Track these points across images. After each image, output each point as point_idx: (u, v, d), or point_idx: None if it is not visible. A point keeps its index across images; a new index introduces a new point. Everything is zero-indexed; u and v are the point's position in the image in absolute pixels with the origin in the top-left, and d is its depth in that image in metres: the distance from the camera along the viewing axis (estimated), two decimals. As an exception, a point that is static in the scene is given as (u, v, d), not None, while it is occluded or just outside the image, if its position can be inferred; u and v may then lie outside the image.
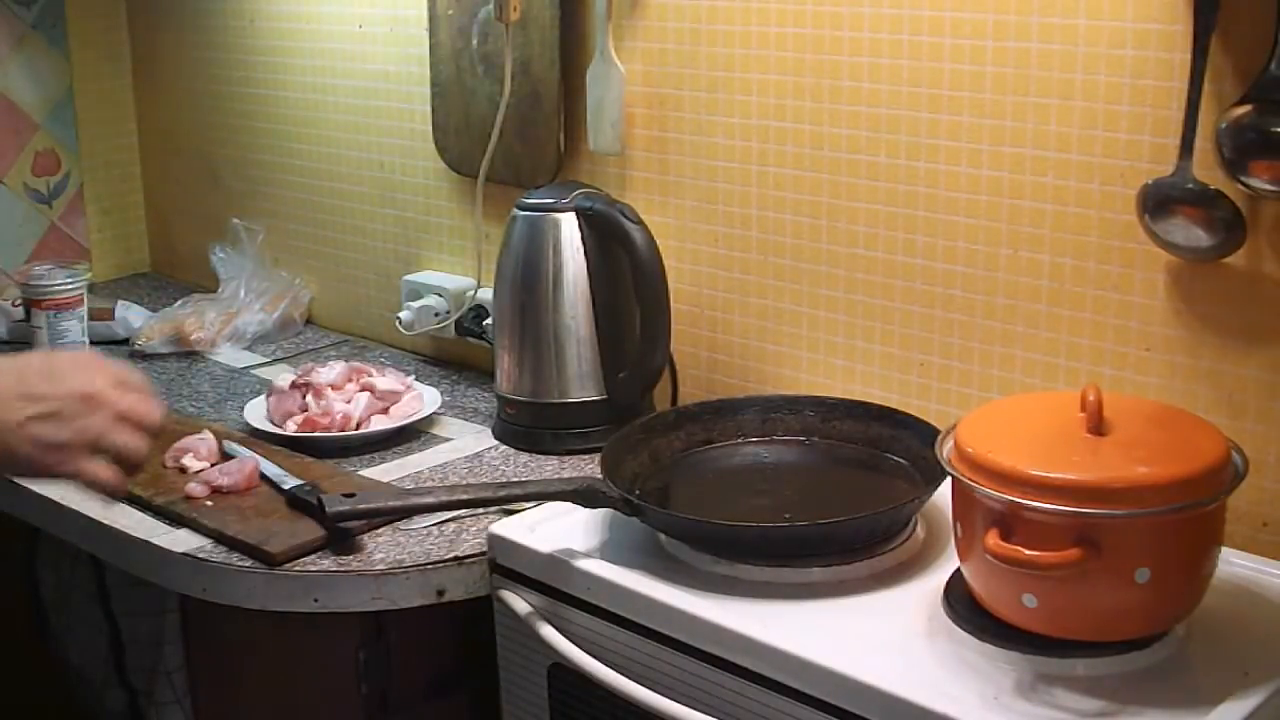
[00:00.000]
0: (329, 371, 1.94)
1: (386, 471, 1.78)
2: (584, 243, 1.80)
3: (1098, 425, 1.25)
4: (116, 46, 2.68)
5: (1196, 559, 1.24)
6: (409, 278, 2.22)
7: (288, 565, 1.54)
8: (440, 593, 1.54)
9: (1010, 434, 1.28)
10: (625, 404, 1.81)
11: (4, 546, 2.01)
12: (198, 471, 1.74)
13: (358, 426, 1.87)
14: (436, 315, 2.16)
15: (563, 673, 1.46)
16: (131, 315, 2.36)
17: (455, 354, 2.21)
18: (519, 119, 2.00)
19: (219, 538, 1.60)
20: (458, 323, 2.13)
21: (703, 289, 1.89)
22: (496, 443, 1.87)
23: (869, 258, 1.72)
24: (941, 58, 1.60)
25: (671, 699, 1.33)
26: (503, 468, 1.79)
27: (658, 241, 1.78)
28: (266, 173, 2.49)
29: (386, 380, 1.94)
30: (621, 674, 1.37)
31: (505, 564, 1.51)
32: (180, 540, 1.61)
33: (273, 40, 2.40)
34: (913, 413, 1.61)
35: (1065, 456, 1.23)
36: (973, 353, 1.65)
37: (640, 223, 1.78)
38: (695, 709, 1.31)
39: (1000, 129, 1.57)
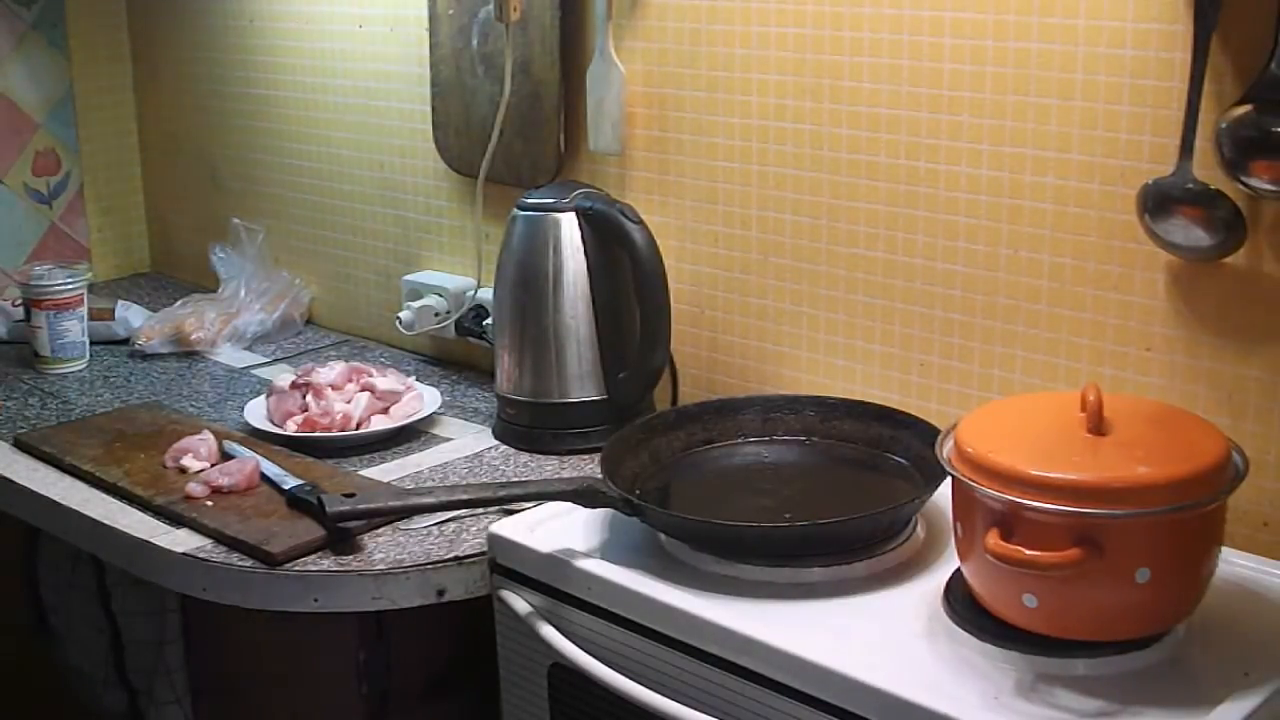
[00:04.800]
0: (329, 371, 1.94)
1: (386, 471, 1.78)
2: (584, 243, 1.80)
3: (1098, 425, 1.25)
4: (116, 46, 2.68)
5: (1196, 559, 1.24)
6: (409, 278, 2.22)
7: (288, 565, 1.54)
8: (440, 593, 1.54)
9: (1010, 434, 1.28)
10: (625, 404, 1.81)
11: (4, 546, 2.01)
12: (198, 471, 1.74)
13: (358, 426, 1.87)
14: (436, 315, 2.16)
15: (563, 673, 1.46)
16: (131, 315, 2.36)
17: (455, 354, 2.21)
18: (519, 119, 2.00)
19: (219, 538, 1.60)
20: (458, 323, 2.13)
21: (703, 289, 1.89)
22: (496, 443, 1.87)
23: (869, 258, 1.72)
24: (941, 58, 1.61)
25: (671, 699, 1.33)
26: (503, 468, 1.79)
27: (658, 241, 1.78)
28: (266, 173, 2.49)
29: (386, 380, 1.94)
30: (621, 674, 1.37)
31: (505, 564, 1.51)
32: (180, 540, 1.61)
33: (273, 40, 2.40)
34: (913, 413, 1.61)
35: (1065, 456, 1.23)
36: (973, 353, 1.65)
37: (640, 223, 1.78)
38: (695, 709, 1.31)
39: (1000, 129, 1.57)
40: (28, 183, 2.60)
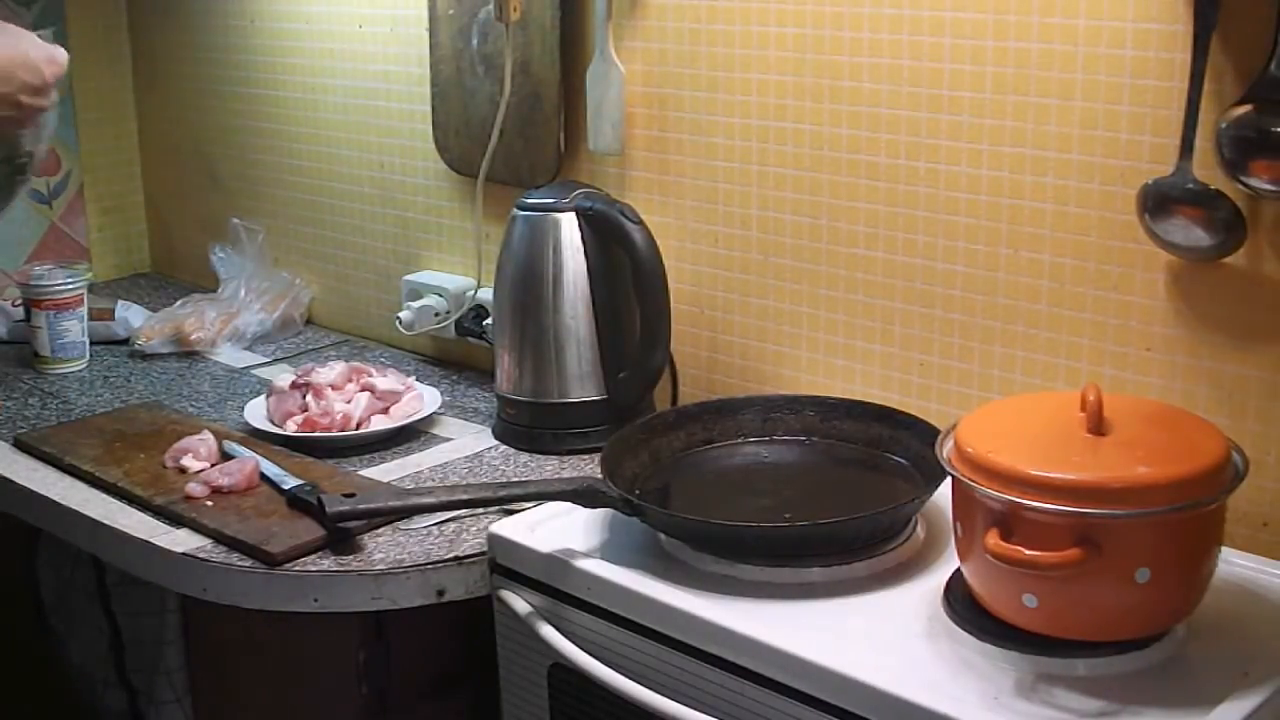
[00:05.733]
0: (329, 371, 1.94)
1: (386, 471, 1.78)
2: (584, 243, 1.80)
3: (1098, 425, 1.25)
4: (116, 46, 2.68)
5: (1196, 559, 1.24)
6: (409, 278, 2.22)
7: (288, 565, 1.54)
8: (440, 593, 1.54)
9: (1010, 434, 1.28)
10: (625, 404, 1.81)
11: (4, 546, 2.01)
12: (198, 471, 1.74)
13: (358, 426, 1.87)
14: (436, 315, 2.16)
15: (563, 673, 1.46)
16: (131, 315, 2.36)
17: (455, 354, 2.21)
18: (519, 119, 2.00)
19: (219, 538, 1.60)
20: (458, 323, 2.13)
21: (703, 289, 1.89)
22: (496, 443, 1.87)
23: (869, 258, 1.72)
24: (941, 58, 1.61)
25: (671, 699, 1.33)
26: (503, 468, 1.79)
27: (658, 241, 1.78)
28: (266, 173, 2.49)
29: (386, 380, 1.94)
30: (621, 674, 1.37)
31: (505, 564, 1.51)
32: (180, 540, 1.61)
33: (273, 40, 2.40)
34: (913, 413, 1.61)
35: (1065, 456, 1.23)
36: (973, 353, 1.65)
37: (640, 223, 1.78)
38: (695, 709, 1.31)
39: (1000, 129, 1.57)
40: (28, 183, 2.60)
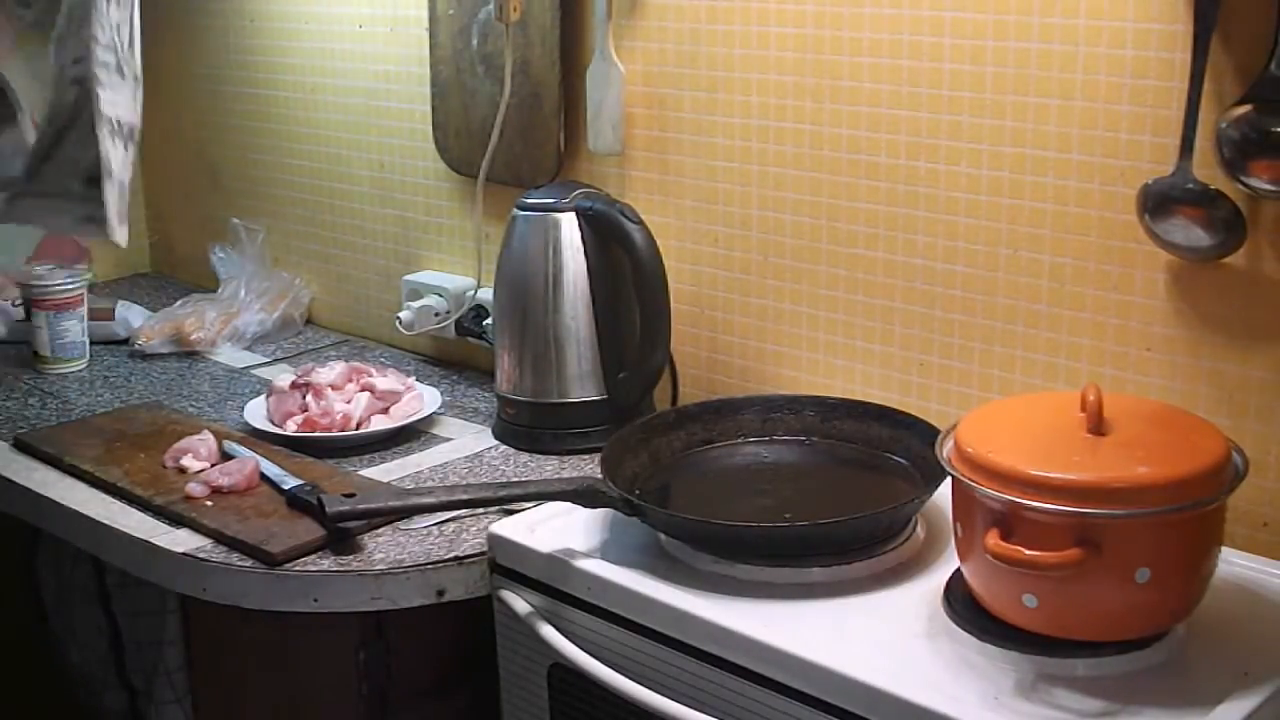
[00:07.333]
0: (329, 371, 1.94)
1: (386, 471, 1.78)
2: (584, 243, 1.80)
3: (1098, 425, 1.25)
4: (116, 46, 2.68)
5: (1196, 559, 1.24)
6: (409, 278, 2.22)
7: (288, 565, 1.54)
8: (440, 593, 1.54)
9: (1010, 434, 1.28)
10: (625, 404, 1.81)
11: (4, 546, 2.01)
12: (198, 471, 1.74)
13: (358, 426, 1.87)
14: (436, 315, 2.16)
15: (563, 673, 1.46)
16: (131, 315, 2.36)
17: (455, 354, 2.21)
18: (519, 119, 2.00)
19: (219, 538, 1.60)
20: (458, 323, 2.13)
21: (703, 289, 1.89)
22: (496, 443, 1.87)
23: (869, 258, 1.72)
24: (941, 58, 1.61)
25: (671, 699, 1.33)
26: (503, 468, 1.79)
27: (658, 241, 1.78)
28: (266, 173, 2.49)
29: (386, 380, 1.94)
30: (621, 674, 1.37)
31: (505, 564, 1.51)
32: (180, 540, 1.61)
33: (273, 40, 2.40)
34: (913, 413, 1.61)
35: (1065, 456, 1.23)
36: (973, 353, 1.65)
37: (640, 223, 1.78)
38: (695, 709, 1.31)
39: (1000, 129, 1.57)
40: (28, 183, 2.59)
